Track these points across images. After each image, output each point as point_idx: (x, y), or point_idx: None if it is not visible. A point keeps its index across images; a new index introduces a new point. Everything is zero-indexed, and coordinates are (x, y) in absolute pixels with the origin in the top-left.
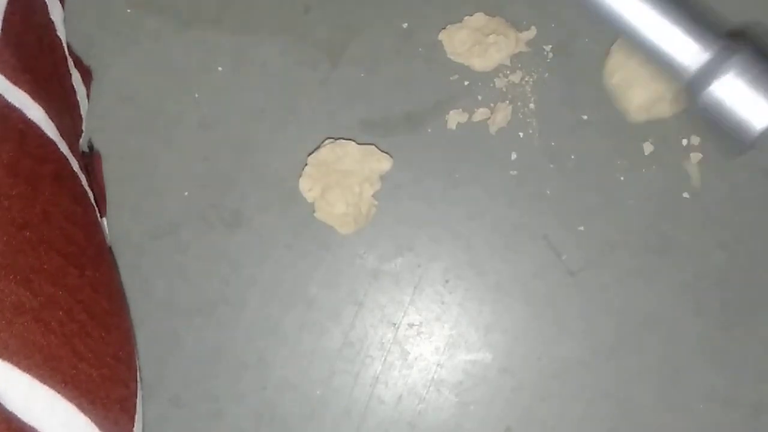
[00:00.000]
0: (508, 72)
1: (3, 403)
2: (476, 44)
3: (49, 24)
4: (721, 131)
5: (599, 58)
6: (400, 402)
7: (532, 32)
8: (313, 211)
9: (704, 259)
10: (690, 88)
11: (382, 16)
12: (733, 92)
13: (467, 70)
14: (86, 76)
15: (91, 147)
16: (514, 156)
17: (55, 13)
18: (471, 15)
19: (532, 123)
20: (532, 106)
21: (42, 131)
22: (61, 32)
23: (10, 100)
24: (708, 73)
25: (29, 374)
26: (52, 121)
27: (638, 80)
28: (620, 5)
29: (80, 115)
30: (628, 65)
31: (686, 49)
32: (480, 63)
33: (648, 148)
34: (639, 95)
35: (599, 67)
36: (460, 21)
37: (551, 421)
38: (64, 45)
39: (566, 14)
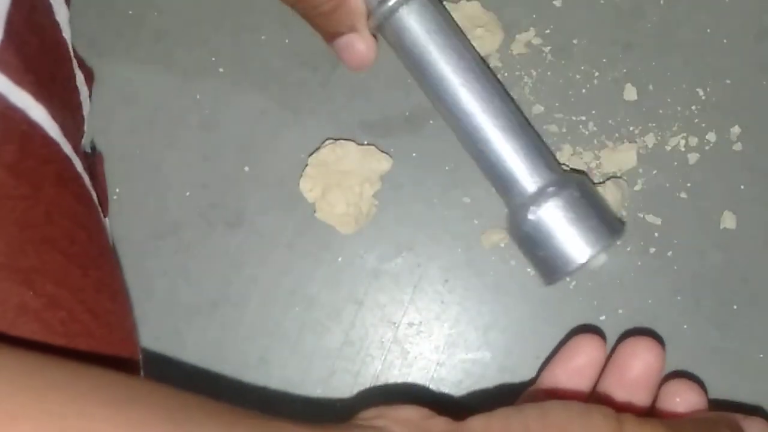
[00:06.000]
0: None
1: None
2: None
3: (54, 25)
4: (537, 260)
5: (598, 60)
6: None
7: (530, 33)
8: (314, 211)
9: (702, 259)
10: (515, 213)
11: None
12: (555, 225)
13: None
14: (88, 76)
15: (93, 148)
16: None
17: (61, 14)
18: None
19: None
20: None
21: (45, 132)
22: (66, 33)
23: (13, 101)
24: (536, 203)
25: None
26: (56, 121)
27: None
28: (472, 125)
29: (83, 116)
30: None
31: (523, 177)
32: None
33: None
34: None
35: (598, 68)
36: (456, 2)
37: None
38: (70, 46)
39: (565, 16)
